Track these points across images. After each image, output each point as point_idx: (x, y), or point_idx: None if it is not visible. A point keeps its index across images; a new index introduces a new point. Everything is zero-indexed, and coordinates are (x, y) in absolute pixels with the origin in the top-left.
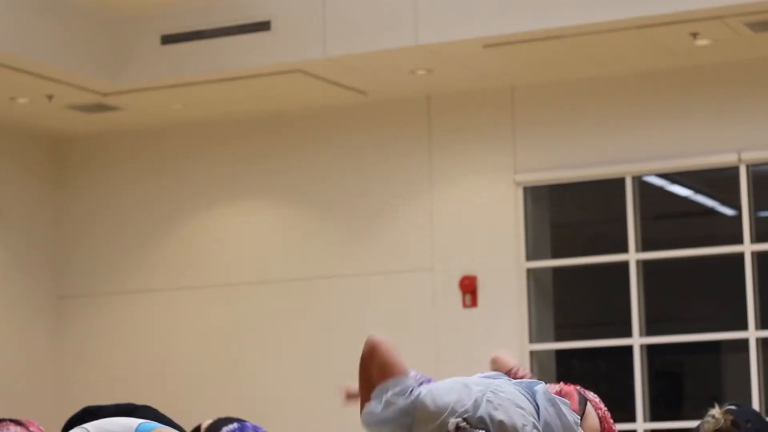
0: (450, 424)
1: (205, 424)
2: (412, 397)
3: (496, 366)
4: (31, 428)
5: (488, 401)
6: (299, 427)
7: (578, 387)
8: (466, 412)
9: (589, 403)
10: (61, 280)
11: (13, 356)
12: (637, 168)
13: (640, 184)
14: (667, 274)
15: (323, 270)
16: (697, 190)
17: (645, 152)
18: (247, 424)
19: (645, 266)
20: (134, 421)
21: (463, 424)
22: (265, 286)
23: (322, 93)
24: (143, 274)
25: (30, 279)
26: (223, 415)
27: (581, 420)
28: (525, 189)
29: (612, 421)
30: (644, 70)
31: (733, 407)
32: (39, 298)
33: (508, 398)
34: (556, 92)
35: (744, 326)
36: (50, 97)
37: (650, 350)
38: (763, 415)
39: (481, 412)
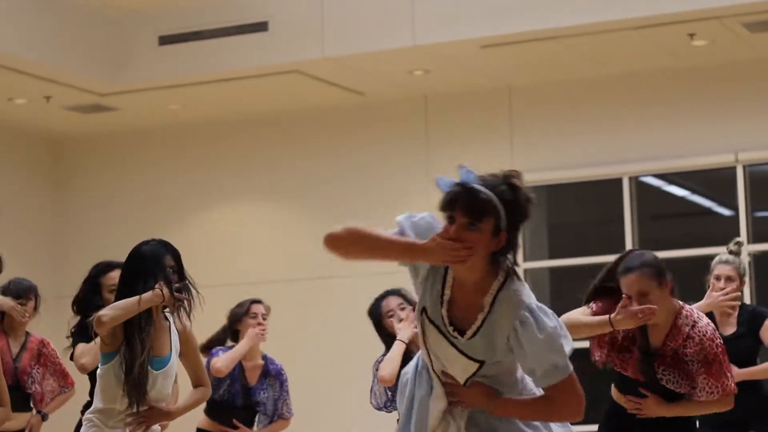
0: None
1: None
2: None
3: None
4: None
5: None
6: (300, 425)
7: None
8: None
9: None
10: (60, 279)
11: None
12: (634, 168)
13: (638, 185)
14: None
15: (323, 270)
16: (694, 191)
17: (642, 153)
18: None
19: None
20: None
21: None
22: (266, 286)
23: (320, 93)
24: None
25: (29, 278)
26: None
27: None
28: None
29: None
30: (641, 71)
31: None
32: None
33: None
34: (554, 93)
35: None
36: (48, 98)
37: None
38: None
39: None
